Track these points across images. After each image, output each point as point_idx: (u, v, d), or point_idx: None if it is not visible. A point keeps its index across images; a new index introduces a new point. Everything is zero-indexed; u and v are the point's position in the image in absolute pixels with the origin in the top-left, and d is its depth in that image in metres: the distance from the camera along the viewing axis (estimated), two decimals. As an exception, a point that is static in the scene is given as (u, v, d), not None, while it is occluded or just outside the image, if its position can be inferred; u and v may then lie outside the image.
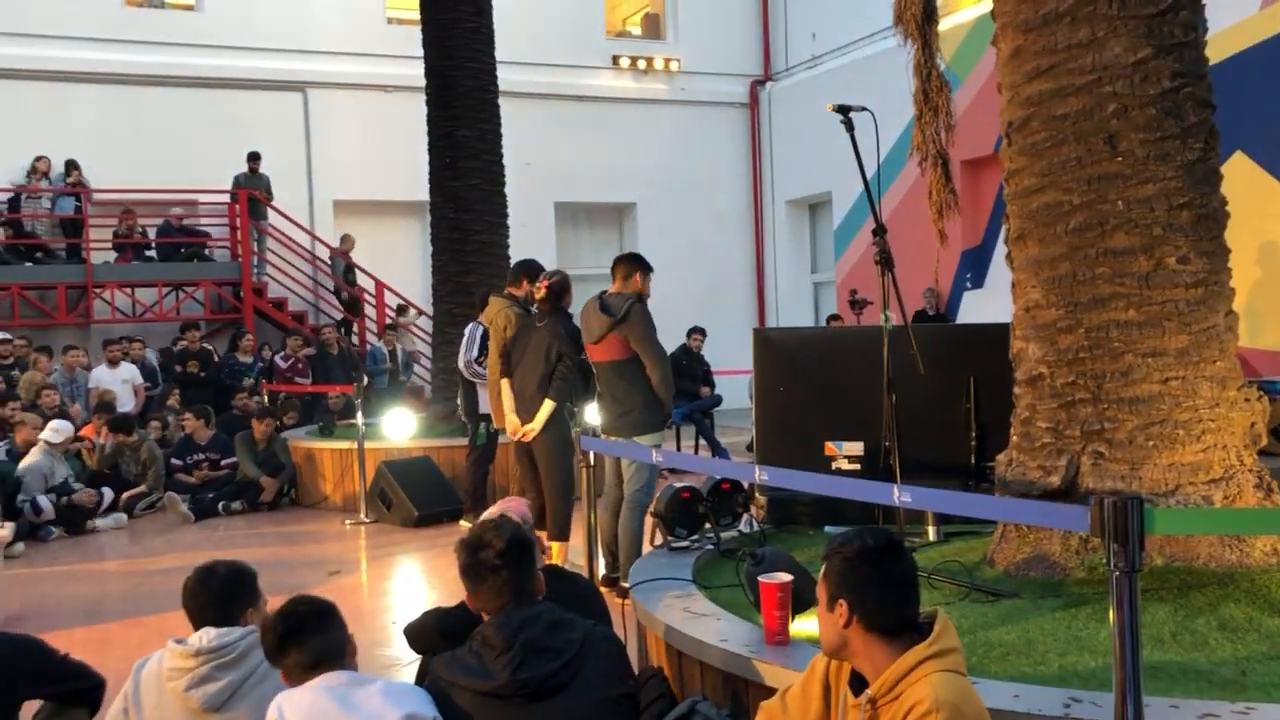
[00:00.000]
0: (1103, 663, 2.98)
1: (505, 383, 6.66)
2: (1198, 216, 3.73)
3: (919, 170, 5.03)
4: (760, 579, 3.23)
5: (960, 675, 2.42)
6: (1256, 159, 10.00)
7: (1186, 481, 3.63)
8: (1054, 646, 3.19)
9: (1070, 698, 2.69)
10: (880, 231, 4.02)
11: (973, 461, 4.84)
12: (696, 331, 12.94)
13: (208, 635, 2.96)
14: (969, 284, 14.13)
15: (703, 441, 12.25)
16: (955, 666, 2.42)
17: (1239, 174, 9.37)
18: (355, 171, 15.75)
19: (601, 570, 6.23)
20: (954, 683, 2.36)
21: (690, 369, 12.56)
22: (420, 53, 10.86)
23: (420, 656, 3.65)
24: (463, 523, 8.31)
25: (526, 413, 6.48)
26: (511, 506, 3.65)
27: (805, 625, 3.27)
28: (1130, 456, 3.69)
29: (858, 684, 2.53)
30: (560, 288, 6.56)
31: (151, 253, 14.58)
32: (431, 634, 3.47)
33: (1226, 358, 3.75)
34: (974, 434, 4.85)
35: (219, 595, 3.02)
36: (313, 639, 2.70)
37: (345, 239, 15.23)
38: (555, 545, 6.51)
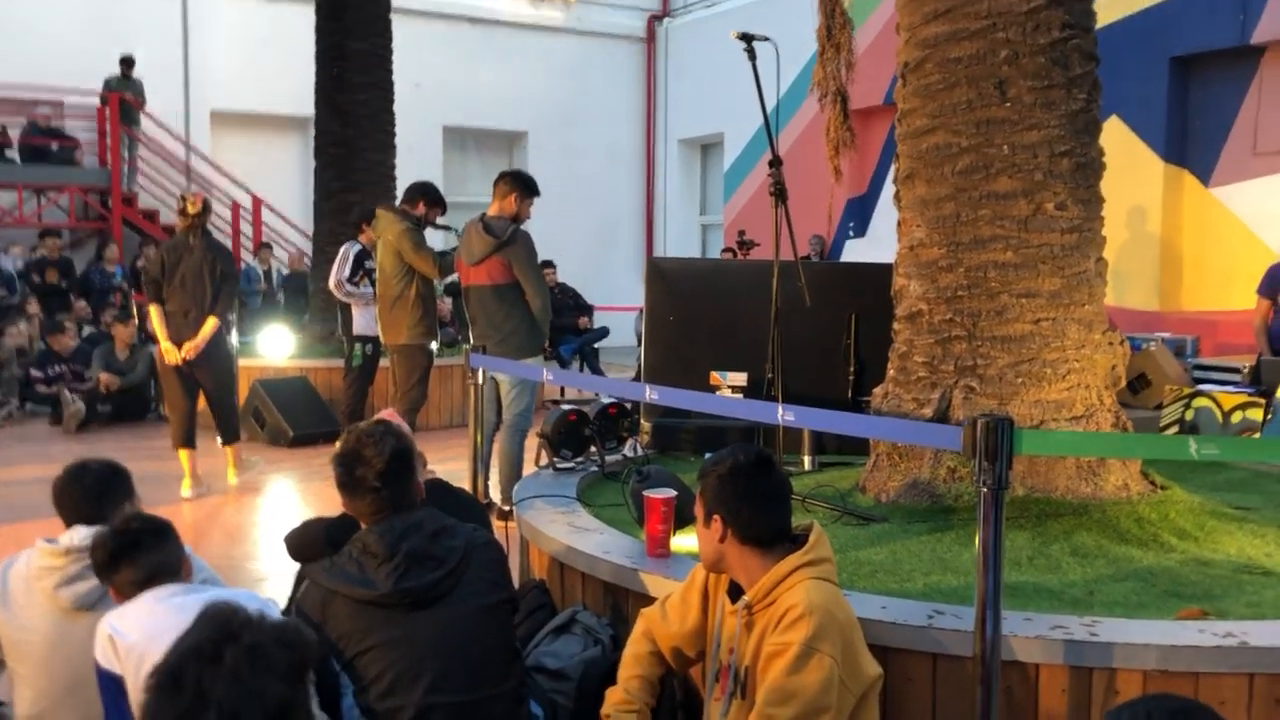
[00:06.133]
0: (964, 582, 3.14)
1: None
2: (1077, 165, 3.88)
3: (811, 115, 5.13)
4: (645, 493, 3.30)
5: (832, 583, 2.53)
6: (1130, 124, 10.42)
7: (1050, 418, 3.81)
8: (919, 566, 3.34)
9: (934, 610, 2.83)
10: (776, 163, 4.07)
11: (850, 395, 4.99)
12: (547, 265, 12.77)
13: (79, 534, 2.88)
14: (852, 232, 14.42)
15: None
16: (827, 575, 2.53)
17: (1114, 137, 9.72)
18: (234, 81, 15.13)
19: (494, 495, 6.25)
20: (826, 589, 2.47)
21: (564, 302, 12.55)
22: (308, -40, 10.47)
23: (299, 566, 3.61)
24: (338, 444, 8.21)
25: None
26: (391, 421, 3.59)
27: (685, 541, 3.36)
28: (999, 392, 3.85)
29: (735, 593, 2.62)
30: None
31: (12, 154, 13.80)
32: (317, 543, 3.42)
33: (1094, 301, 3.93)
34: (852, 369, 5.00)
35: (92, 491, 2.93)
36: (147, 556, 2.61)
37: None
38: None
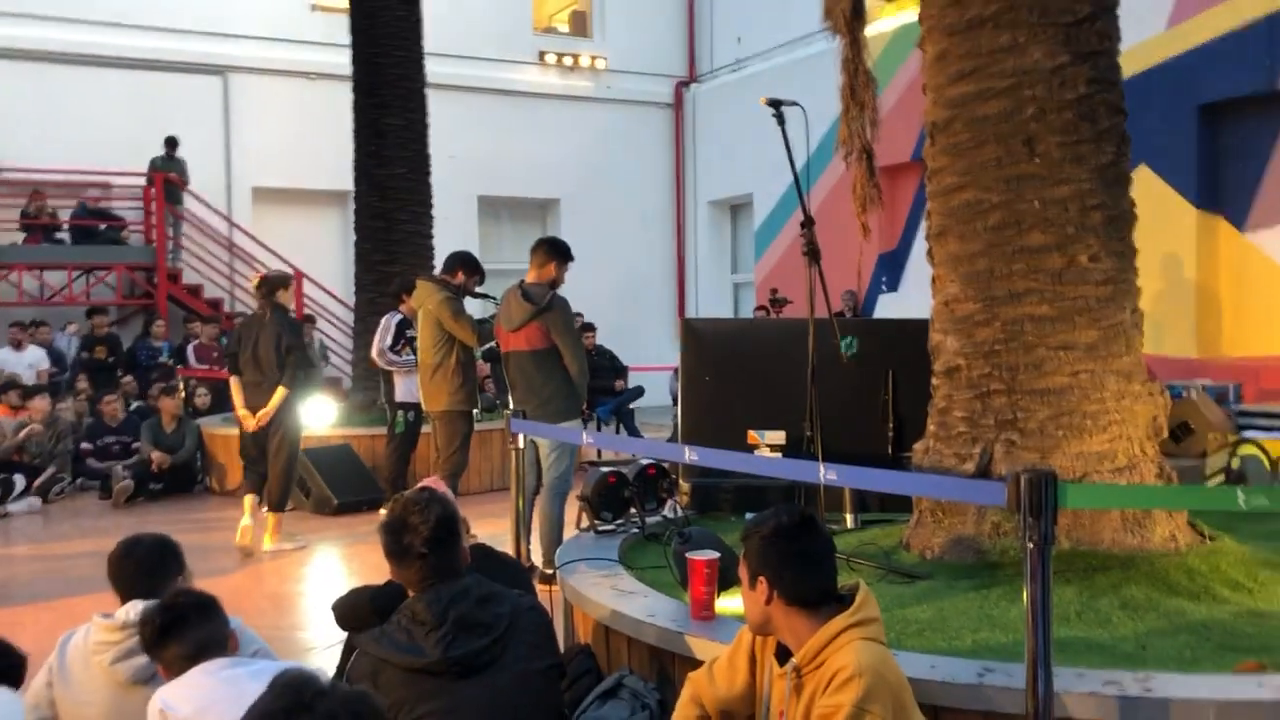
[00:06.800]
0: (1013, 639, 3.12)
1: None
2: (1108, 217, 3.90)
3: (841, 171, 5.14)
4: (689, 555, 3.31)
5: (880, 644, 2.52)
6: (1160, 173, 10.40)
7: (1093, 470, 3.80)
8: (967, 624, 3.32)
9: (984, 668, 2.81)
10: (808, 223, 4.12)
11: (890, 451, 4.98)
12: (588, 329, 12.83)
13: (134, 608, 2.93)
14: (884, 287, 14.43)
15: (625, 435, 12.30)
16: (876, 635, 2.52)
17: (1144, 186, 9.71)
18: (275, 159, 15.49)
19: (535, 560, 6.27)
20: (875, 650, 2.46)
21: (601, 364, 12.57)
22: (344, 40, 10.78)
23: (345, 635, 3.64)
24: (382, 511, 8.28)
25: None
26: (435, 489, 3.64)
27: (730, 603, 3.36)
28: (1041, 445, 3.84)
29: (783, 655, 2.61)
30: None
31: (62, 235, 14.16)
32: (364, 612, 3.46)
33: (1132, 352, 3.93)
34: (891, 425, 5.00)
35: (146, 566, 2.99)
36: (194, 631, 2.66)
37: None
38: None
